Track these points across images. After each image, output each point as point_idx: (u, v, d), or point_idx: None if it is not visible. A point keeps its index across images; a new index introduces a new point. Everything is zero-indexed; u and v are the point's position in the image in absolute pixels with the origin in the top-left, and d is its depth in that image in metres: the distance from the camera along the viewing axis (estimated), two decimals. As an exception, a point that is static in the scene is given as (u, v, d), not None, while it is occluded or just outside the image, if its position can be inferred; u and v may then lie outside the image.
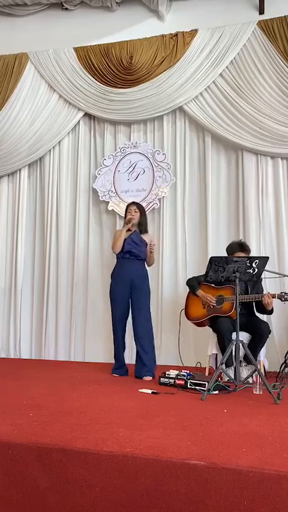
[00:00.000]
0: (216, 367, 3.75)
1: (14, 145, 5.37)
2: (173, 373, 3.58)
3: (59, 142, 5.43)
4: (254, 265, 3.42)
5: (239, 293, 3.51)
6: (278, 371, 3.93)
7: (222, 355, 3.56)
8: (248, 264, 3.41)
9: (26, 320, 5.43)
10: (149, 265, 4.28)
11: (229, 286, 3.86)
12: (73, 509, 1.93)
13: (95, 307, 5.15)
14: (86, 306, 5.21)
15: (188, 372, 3.56)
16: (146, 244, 4.17)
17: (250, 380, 3.47)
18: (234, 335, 3.52)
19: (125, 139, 5.28)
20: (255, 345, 3.74)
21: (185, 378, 3.47)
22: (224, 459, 1.89)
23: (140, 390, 3.38)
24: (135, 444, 2.06)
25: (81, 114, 5.32)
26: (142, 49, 4.97)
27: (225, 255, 3.97)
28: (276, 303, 3.93)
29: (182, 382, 3.46)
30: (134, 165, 5.16)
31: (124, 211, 4.41)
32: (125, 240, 4.14)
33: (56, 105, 5.33)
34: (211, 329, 3.98)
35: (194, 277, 4.18)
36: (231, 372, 3.61)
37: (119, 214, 5.09)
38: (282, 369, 3.88)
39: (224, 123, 4.79)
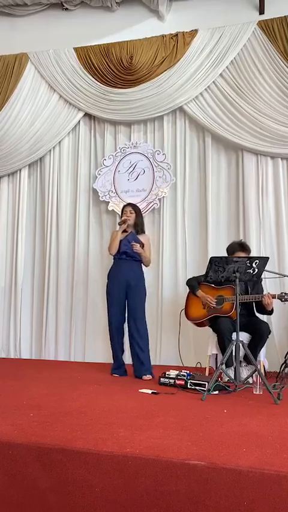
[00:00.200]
0: (216, 367, 3.75)
1: (14, 145, 5.37)
2: (173, 373, 3.58)
3: (59, 142, 5.43)
4: (254, 265, 3.42)
5: (239, 293, 3.51)
6: (278, 371, 3.93)
7: (222, 355, 3.56)
8: (248, 264, 3.41)
9: (26, 320, 5.43)
10: (145, 266, 4.29)
11: (229, 286, 3.86)
12: (73, 509, 1.93)
13: (95, 307, 5.14)
14: (86, 306, 5.21)
15: (188, 372, 3.56)
16: (143, 244, 4.18)
17: (250, 380, 3.47)
18: (234, 335, 3.52)
19: (125, 140, 5.28)
20: (255, 345, 3.74)
21: (185, 378, 3.47)
22: (224, 459, 1.89)
23: (140, 390, 3.38)
24: (135, 444, 2.06)
25: (81, 114, 5.32)
26: (142, 49, 4.96)
27: (226, 255, 3.97)
28: (276, 303, 3.92)
29: (182, 382, 3.46)
30: (134, 165, 5.16)
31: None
32: (121, 241, 4.15)
33: (56, 105, 5.33)
34: (211, 329, 3.98)
35: (194, 277, 4.18)
36: (231, 372, 3.61)
37: (119, 215, 5.07)
38: (282, 369, 3.87)
39: (224, 123, 4.79)
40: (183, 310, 4.18)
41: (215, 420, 2.56)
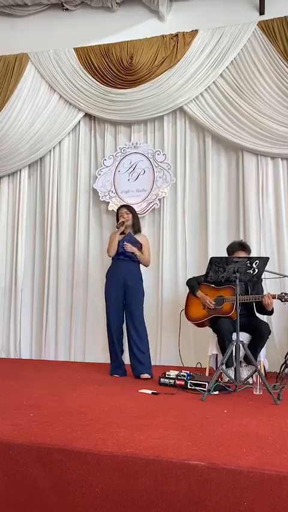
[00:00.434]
0: (216, 368, 3.75)
1: (14, 145, 5.37)
2: (173, 373, 3.58)
3: (59, 142, 5.44)
4: (254, 265, 3.42)
5: (239, 294, 3.51)
6: (278, 371, 3.92)
7: (223, 355, 3.56)
8: (248, 265, 3.41)
9: (26, 320, 5.43)
10: (145, 266, 4.30)
11: (229, 286, 3.86)
12: (73, 509, 1.93)
13: (95, 307, 5.14)
14: (86, 306, 5.21)
15: (188, 372, 3.56)
16: (141, 245, 4.19)
17: (250, 380, 3.47)
18: (234, 335, 3.52)
19: (125, 140, 5.28)
20: (255, 346, 3.74)
21: (185, 378, 3.47)
22: (224, 459, 1.89)
23: (140, 390, 3.38)
24: (135, 444, 2.06)
25: (81, 114, 5.32)
26: (142, 49, 4.96)
27: (226, 255, 3.97)
28: (276, 304, 3.92)
29: (182, 383, 3.46)
30: (134, 166, 5.16)
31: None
32: (119, 242, 4.16)
33: (57, 105, 5.33)
34: (211, 329, 3.98)
35: (194, 277, 4.18)
36: (231, 372, 3.61)
37: (117, 217, 5.10)
38: (282, 369, 3.87)
39: (224, 124, 4.79)
40: (184, 311, 4.18)
41: (215, 420, 2.56)
